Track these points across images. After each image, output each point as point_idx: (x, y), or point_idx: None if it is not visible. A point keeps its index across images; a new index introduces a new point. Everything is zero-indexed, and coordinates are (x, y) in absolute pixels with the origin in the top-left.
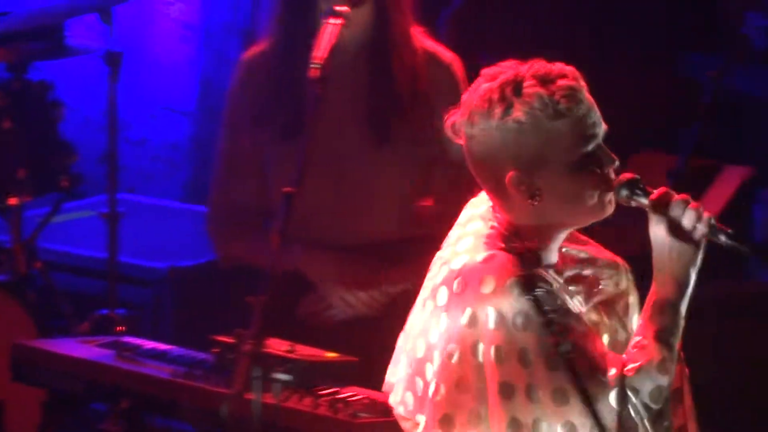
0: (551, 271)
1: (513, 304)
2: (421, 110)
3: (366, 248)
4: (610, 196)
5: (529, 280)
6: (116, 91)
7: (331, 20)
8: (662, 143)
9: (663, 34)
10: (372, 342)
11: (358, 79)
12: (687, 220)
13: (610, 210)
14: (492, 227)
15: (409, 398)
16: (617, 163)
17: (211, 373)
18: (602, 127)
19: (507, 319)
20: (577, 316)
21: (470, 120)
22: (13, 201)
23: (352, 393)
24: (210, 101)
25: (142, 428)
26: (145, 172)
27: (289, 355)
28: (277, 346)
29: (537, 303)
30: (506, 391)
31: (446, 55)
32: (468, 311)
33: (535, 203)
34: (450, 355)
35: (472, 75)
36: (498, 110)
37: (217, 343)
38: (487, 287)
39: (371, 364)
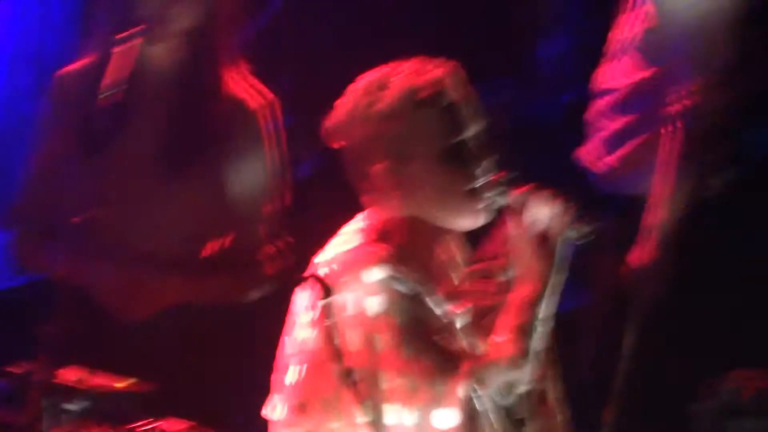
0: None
1: (369, 294)
2: (218, 150)
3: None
4: (487, 194)
5: (387, 273)
6: None
7: (132, 47)
8: None
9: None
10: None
11: (161, 110)
12: (549, 219)
13: (485, 206)
14: (365, 225)
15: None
16: (493, 157)
17: (4, 403)
18: (479, 122)
19: (362, 308)
20: (429, 315)
21: (338, 119)
22: None
23: (145, 423)
24: (8, 128)
25: None
26: None
27: (78, 385)
28: (68, 375)
29: (391, 296)
30: (358, 377)
31: (254, 100)
32: (326, 300)
33: (404, 193)
34: (306, 342)
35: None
36: (363, 103)
37: (6, 373)
38: (346, 277)
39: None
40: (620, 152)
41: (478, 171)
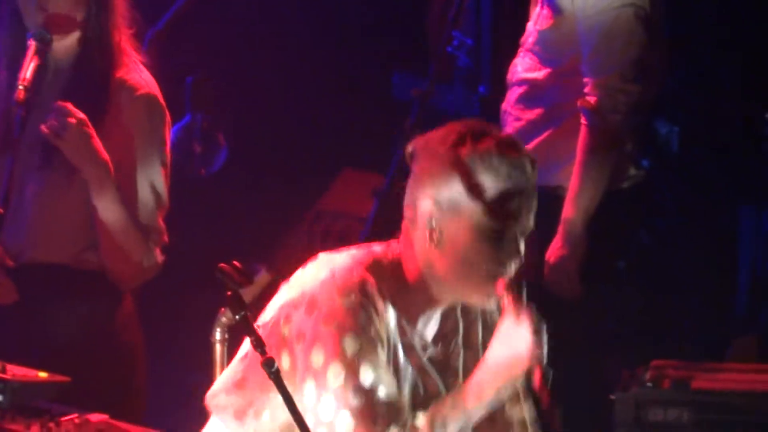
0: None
1: (333, 314)
2: (109, 139)
3: (36, 269)
4: (499, 284)
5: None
6: None
7: (35, 43)
8: (369, 163)
9: (374, 53)
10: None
11: (53, 99)
12: (520, 347)
13: (493, 297)
14: (372, 250)
15: None
16: (522, 259)
17: None
18: (527, 226)
19: (320, 323)
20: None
21: (423, 142)
22: None
23: (63, 413)
24: None
25: None
26: None
27: (1, 374)
28: None
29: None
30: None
31: (142, 87)
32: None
33: (433, 242)
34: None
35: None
36: (449, 142)
37: None
38: (321, 288)
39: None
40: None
41: (505, 263)
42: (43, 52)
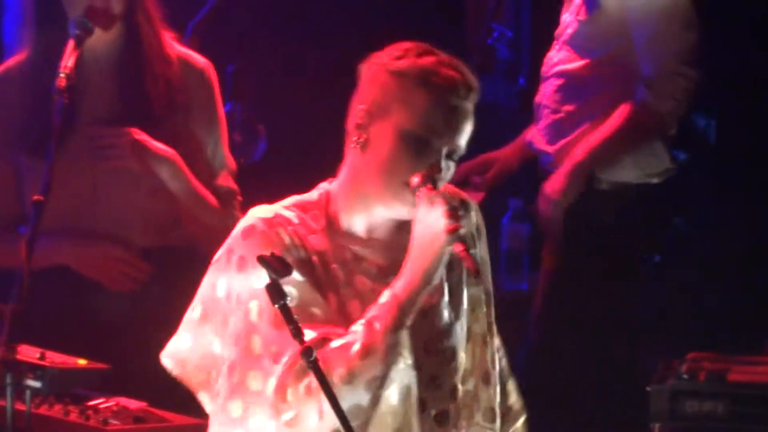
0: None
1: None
2: (175, 116)
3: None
4: (412, 196)
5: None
6: None
7: (77, 32)
8: None
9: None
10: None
11: (111, 89)
12: (434, 224)
13: (411, 201)
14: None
15: None
16: (444, 177)
17: None
18: (454, 144)
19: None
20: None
21: (369, 59)
22: None
23: (103, 400)
24: None
25: None
26: None
27: (40, 362)
28: (28, 353)
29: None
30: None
31: (199, 60)
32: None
33: (359, 147)
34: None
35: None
36: (393, 54)
37: None
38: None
39: (126, 372)
40: (563, 140)
41: (424, 172)
42: (82, 41)
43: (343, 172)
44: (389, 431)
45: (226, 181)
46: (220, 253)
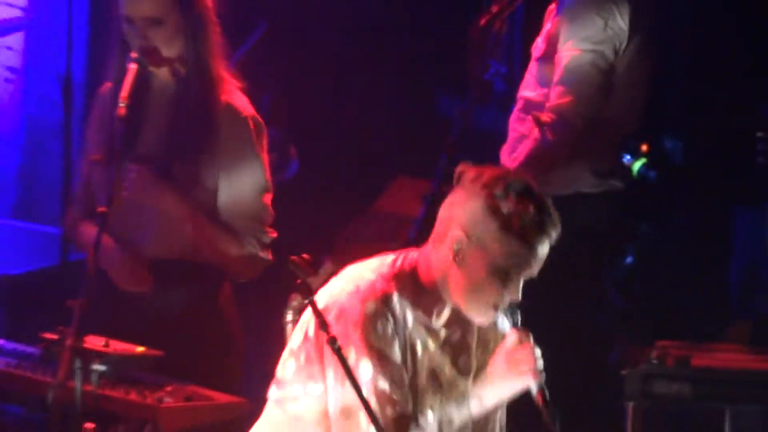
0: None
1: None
2: (206, 156)
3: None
4: (494, 314)
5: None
6: None
7: (134, 66)
8: (418, 170)
9: (423, 78)
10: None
11: (164, 123)
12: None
13: (486, 321)
14: (401, 261)
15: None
16: (519, 299)
17: (38, 364)
18: (531, 272)
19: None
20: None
21: (472, 175)
22: None
23: (160, 381)
24: (34, 133)
25: None
26: None
27: (105, 349)
28: (94, 341)
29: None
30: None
31: (245, 110)
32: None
33: (455, 262)
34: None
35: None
36: (496, 190)
37: (43, 339)
38: (346, 298)
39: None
40: (516, 156)
41: (505, 296)
42: (140, 74)
43: (435, 266)
44: None
45: (256, 219)
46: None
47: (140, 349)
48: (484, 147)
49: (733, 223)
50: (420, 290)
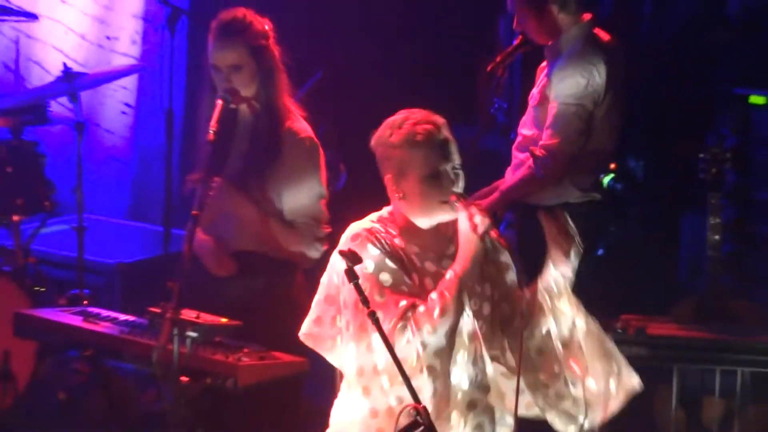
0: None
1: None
2: (272, 170)
3: (239, 255)
4: (447, 207)
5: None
6: (81, 147)
7: (220, 102)
8: None
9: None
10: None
11: (245, 147)
12: (478, 221)
13: (450, 210)
14: (382, 213)
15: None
16: (459, 184)
17: (146, 331)
18: (453, 160)
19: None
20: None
21: (373, 142)
22: (15, 218)
23: (239, 345)
24: (144, 154)
25: (100, 368)
26: (101, 198)
27: (196, 320)
28: (188, 314)
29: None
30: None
31: (303, 132)
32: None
33: (401, 199)
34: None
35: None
36: (385, 134)
37: (150, 312)
38: (351, 243)
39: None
40: (515, 175)
41: (447, 190)
42: (226, 109)
43: (396, 206)
44: (465, 361)
45: (314, 221)
46: (335, 254)
47: (224, 320)
48: (489, 163)
49: (681, 224)
50: (400, 225)
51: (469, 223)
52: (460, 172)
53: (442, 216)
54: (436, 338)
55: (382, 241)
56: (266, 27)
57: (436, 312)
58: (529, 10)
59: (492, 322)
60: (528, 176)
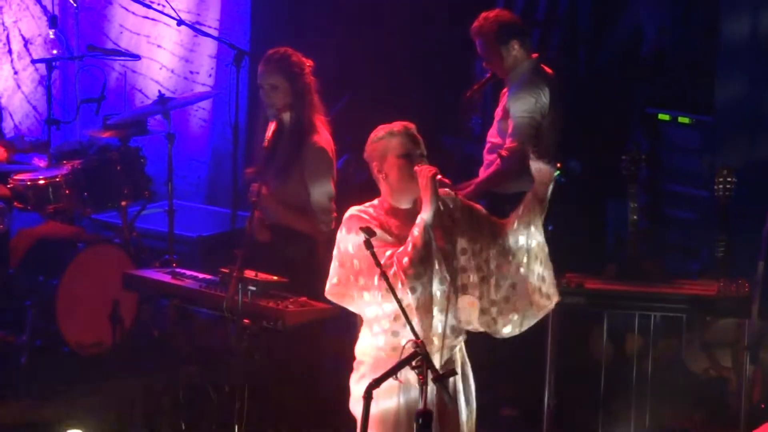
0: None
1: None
2: (296, 174)
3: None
4: (414, 173)
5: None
6: (172, 152)
7: (269, 118)
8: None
9: (433, 125)
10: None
11: (283, 152)
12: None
13: (417, 182)
14: (375, 201)
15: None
16: (423, 162)
17: (218, 286)
18: (422, 150)
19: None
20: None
21: (365, 147)
22: (123, 203)
23: (286, 296)
24: (216, 156)
25: (185, 313)
26: (186, 188)
27: (255, 277)
28: (249, 273)
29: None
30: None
31: (323, 143)
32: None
33: (385, 181)
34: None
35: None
36: (372, 136)
37: (221, 271)
38: (349, 223)
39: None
40: (486, 173)
41: (415, 167)
42: (274, 123)
43: (383, 190)
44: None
45: (325, 209)
46: (341, 230)
47: (275, 277)
48: (468, 165)
49: (607, 208)
50: (386, 210)
51: (423, 181)
52: (425, 159)
53: (414, 189)
54: (412, 266)
55: (367, 216)
56: (303, 61)
57: (410, 247)
58: (494, 47)
59: (476, 266)
60: (496, 172)
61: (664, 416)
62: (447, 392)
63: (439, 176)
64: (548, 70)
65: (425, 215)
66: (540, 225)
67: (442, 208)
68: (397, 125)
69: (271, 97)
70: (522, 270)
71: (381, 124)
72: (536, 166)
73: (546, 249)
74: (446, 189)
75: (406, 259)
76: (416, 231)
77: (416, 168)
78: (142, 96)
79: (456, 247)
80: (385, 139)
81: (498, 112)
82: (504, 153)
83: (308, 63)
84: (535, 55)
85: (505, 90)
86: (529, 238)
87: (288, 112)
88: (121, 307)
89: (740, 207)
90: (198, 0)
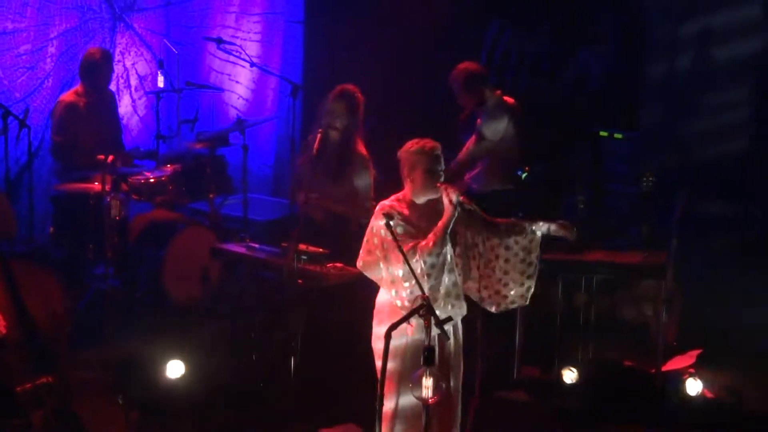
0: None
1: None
2: (350, 172)
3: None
4: (438, 189)
5: (389, 212)
6: (246, 159)
7: (321, 131)
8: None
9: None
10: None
11: (333, 157)
12: (453, 196)
13: (437, 191)
14: (398, 194)
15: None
16: (441, 178)
17: (280, 256)
18: (441, 164)
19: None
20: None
21: (400, 151)
22: (210, 196)
23: (327, 261)
24: (279, 162)
25: (255, 276)
26: (256, 184)
27: (306, 249)
28: (301, 246)
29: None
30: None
31: (363, 153)
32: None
33: (411, 181)
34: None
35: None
36: (408, 147)
37: (281, 245)
38: (375, 213)
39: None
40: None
41: (435, 179)
42: (318, 135)
43: (406, 188)
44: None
45: (367, 197)
46: (374, 217)
47: (321, 249)
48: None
49: (565, 202)
50: (408, 204)
51: (446, 198)
52: (443, 173)
53: (432, 194)
54: (430, 257)
55: (396, 210)
56: (360, 97)
57: (431, 243)
58: (463, 91)
59: (466, 254)
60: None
61: (603, 351)
62: (444, 333)
63: (462, 197)
64: (510, 100)
65: (444, 223)
66: (522, 241)
67: (456, 214)
68: (428, 145)
69: (335, 120)
70: (498, 266)
71: (396, 138)
72: (553, 227)
73: (523, 263)
74: (456, 198)
75: (426, 250)
76: (436, 233)
77: (440, 185)
78: (225, 118)
79: (456, 238)
80: (417, 154)
81: (472, 138)
82: (453, 165)
83: (360, 95)
84: (498, 92)
85: (478, 120)
86: (507, 250)
87: (341, 129)
88: (210, 271)
89: (659, 200)
90: (265, 48)
